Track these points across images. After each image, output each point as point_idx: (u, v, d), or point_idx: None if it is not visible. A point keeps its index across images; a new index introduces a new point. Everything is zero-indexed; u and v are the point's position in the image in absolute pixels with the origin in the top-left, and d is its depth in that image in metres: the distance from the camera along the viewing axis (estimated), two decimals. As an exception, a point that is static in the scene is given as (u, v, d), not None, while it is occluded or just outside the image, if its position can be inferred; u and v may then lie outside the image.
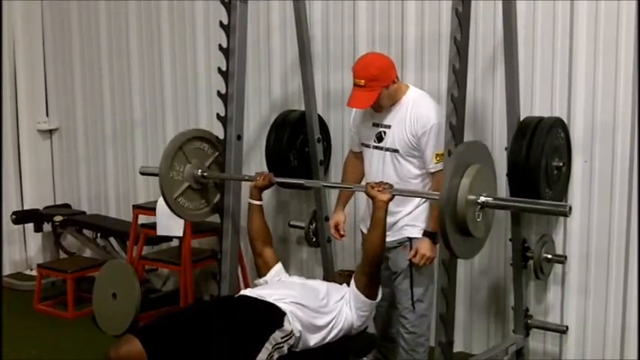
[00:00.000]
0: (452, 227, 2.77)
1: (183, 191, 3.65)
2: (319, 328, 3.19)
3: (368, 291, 3.27)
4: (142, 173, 3.91)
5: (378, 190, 3.19)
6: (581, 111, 3.77)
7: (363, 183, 3.72)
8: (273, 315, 3.09)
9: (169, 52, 5.39)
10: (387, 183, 3.24)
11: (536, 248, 3.76)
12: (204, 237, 5.02)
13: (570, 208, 2.73)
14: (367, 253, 3.27)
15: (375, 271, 3.26)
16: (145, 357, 2.87)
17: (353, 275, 3.35)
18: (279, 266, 3.53)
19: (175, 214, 3.71)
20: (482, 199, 2.81)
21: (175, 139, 3.64)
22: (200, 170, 3.67)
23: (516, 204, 2.97)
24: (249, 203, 3.57)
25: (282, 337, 3.04)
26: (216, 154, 3.75)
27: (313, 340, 3.17)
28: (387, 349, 3.86)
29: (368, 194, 3.25)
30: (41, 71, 6.20)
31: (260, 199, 3.57)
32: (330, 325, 3.22)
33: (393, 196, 3.21)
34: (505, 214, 3.93)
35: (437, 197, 2.84)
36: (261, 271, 3.53)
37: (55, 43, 6.13)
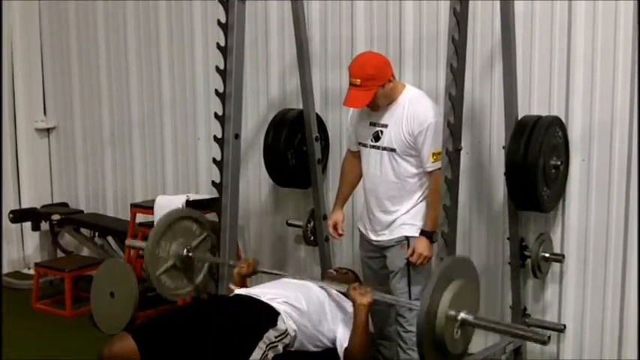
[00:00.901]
0: (429, 343, 2.66)
1: (166, 269, 3.68)
2: (314, 332, 3.20)
3: None
4: (129, 247, 3.99)
5: (359, 293, 3.16)
6: (579, 110, 3.77)
7: (362, 182, 3.74)
8: (266, 314, 3.10)
9: (167, 51, 5.38)
10: (369, 287, 3.21)
11: (534, 247, 3.76)
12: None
13: (549, 337, 2.66)
14: (354, 358, 3.17)
15: None
16: (138, 355, 2.88)
17: (346, 346, 3.24)
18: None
19: (158, 291, 3.75)
20: (462, 316, 2.71)
21: (166, 217, 3.67)
22: (185, 249, 3.69)
23: (496, 326, 2.88)
24: (229, 288, 3.54)
25: (276, 337, 3.04)
26: (204, 235, 3.77)
27: (309, 344, 3.18)
28: (385, 348, 3.86)
29: (349, 295, 3.22)
30: (39, 70, 6.19)
31: (242, 287, 3.50)
32: (327, 344, 3.25)
33: (374, 300, 3.16)
34: (503, 213, 3.94)
35: (417, 308, 2.75)
36: None
37: (53, 42, 6.13)
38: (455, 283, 2.72)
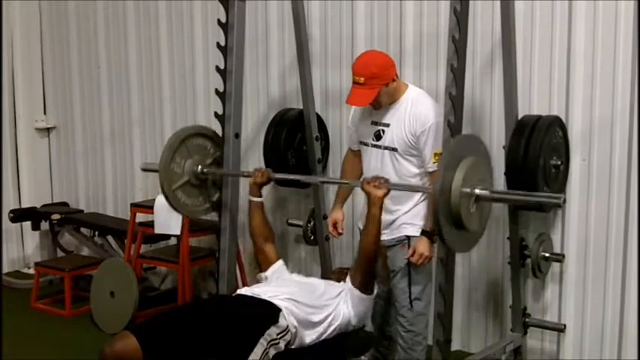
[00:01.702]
0: (446, 220, 2.75)
1: (181, 185, 3.62)
2: (315, 324, 3.19)
3: (364, 287, 3.27)
4: (144, 169, 3.92)
5: (374, 186, 3.18)
6: (579, 109, 3.78)
7: (361, 181, 3.75)
8: (268, 311, 3.10)
9: (167, 51, 5.38)
10: (382, 177, 3.22)
11: (534, 247, 3.76)
12: (202, 235, 5.02)
13: (564, 200, 2.71)
14: (363, 248, 3.26)
15: (370, 266, 3.25)
16: (141, 353, 2.87)
17: (349, 272, 3.35)
18: (279, 263, 3.53)
19: (172, 206, 3.68)
20: (476, 191, 2.80)
21: (180, 132, 3.63)
22: (200, 166, 3.65)
23: (511, 196, 2.94)
24: (250, 200, 3.57)
25: (278, 333, 3.04)
26: (218, 152, 3.73)
27: (309, 337, 3.17)
28: (385, 348, 3.86)
29: (363, 189, 3.24)
30: (39, 69, 6.19)
31: (260, 196, 3.56)
32: (327, 322, 3.22)
33: (389, 191, 3.19)
34: (503, 213, 3.94)
35: (431, 191, 2.82)
36: (262, 266, 3.53)
37: (53, 42, 6.12)
38: (466, 161, 2.77)
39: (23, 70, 6.07)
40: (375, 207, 3.19)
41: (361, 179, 3.58)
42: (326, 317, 3.22)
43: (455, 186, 2.74)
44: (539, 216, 3.89)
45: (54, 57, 6.14)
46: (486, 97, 4.05)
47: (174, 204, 3.65)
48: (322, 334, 3.21)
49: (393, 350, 3.77)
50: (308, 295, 3.23)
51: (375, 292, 3.36)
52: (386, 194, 3.19)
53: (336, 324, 3.24)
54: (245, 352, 2.96)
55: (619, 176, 3.71)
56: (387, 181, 3.21)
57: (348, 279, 3.32)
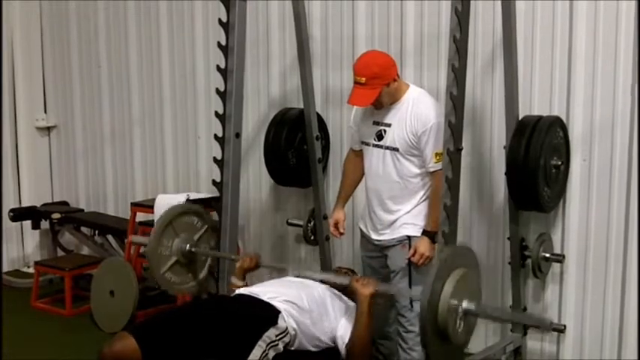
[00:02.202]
0: (432, 332, 2.68)
1: (170, 266, 3.67)
2: (319, 342, 3.20)
3: None
4: (134, 243, 3.98)
5: (362, 284, 3.18)
6: (580, 110, 3.77)
7: (364, 181, 3.74)
8: (267, 313, 3.10)
9: (168, 50, 5.38)
10: (371, 277, 3.25)
11: (535, 247, 3.76)
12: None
13: (552, 324, 2.65)
14: (356, 348, 3.18)
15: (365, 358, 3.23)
16: (139, 354, 2.87)
17: (346, 343, 3.26)
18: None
19: (162, 287, 3.76)
20: (464, 306, 2.73)
21: (165, 215, 3.66)
22: (188, 245, 3.69)
23: (499, 315, 2.86)
24: (230, 284, 3.54)
25: (277, 335, 3.04)
26: (206, 227, 3.78)
27: (308, 343, 3.18)
28: (385, 348, 3.86)
29: (350, 288, 3.23)
30: (39, 68, 6.19)
31: (244, 281, 3.52)
32: (329, 341, 3.25)
33: (376, 291, 3.18)
34: (503, 213, 3.94)
35: (419, 299, 2.75)
36: None
37: (54, 41, 6.12)
38: (456, 273, 2.72)
39: (24, 69, 6.07)
40: (362, 305, 3.17)
41: (367, 179, 3.60)
42: (330, 340, 3.25)
43: (443, 299, 2.68)
44: (540, 216, 3.89)
45: (54, 56, 6.14)
46: (487, 97, 4.04)
47: (163, 285, 3.73)
48: (321, 342, 3.23)
49: (393, 350, 3.77)
50: (315, 309, 3.22)
51: None
52: (373, 294, 3.17)
53: (333, 334, 3.26)
54: (244, 353, 2.96)
55: (619, 176, 3.71)
56: (375, 282, 3.22)
57: (348, 329, 3.25)
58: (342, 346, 3.23)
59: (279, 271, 3.63)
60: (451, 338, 2.72)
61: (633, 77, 3.62)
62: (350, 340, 3.21)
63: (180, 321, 3.09)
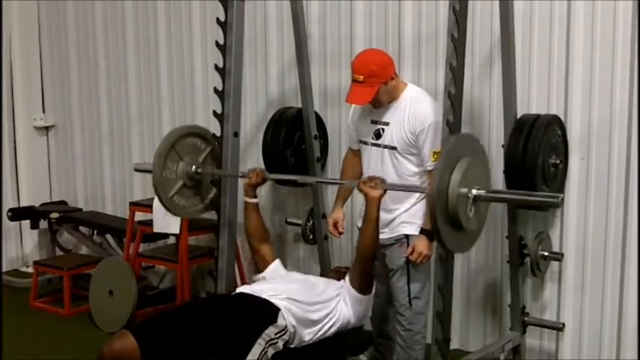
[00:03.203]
0: (443, 221, 2.74)
1: (177, 190, 3.62)
2: (314, 322, 3.19)
3: (362, 287, 3.27)
4: (137, 170, 3.91)
5: (370, 186, 3.18)
6: (578, 108, 3.78)
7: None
8: (266, 310, 3.10)
9: (166, 49, 5.38)
10: (379, 178, 3.22)
11: (533, 245, 3.77)
12: (200, 234, 5.02)
13: (562, 199, 2.71)
14: (360, 248, 3.27)
15: (368, 266, 3.26)
16: (139, 352, 2.88)
17: (348, 272, 3.35)
18: (277, 262, 3.54)
19: (171, 212, 3.69)
20: (473, 192, 2.79)
21: (167, 138, 3.60)
22: (194, 167, 3.64)
23: (508, 196, 2.93)
24: (245, 202, 3.56)
25: (276, 333, 3.04)
26: (210, 148, 3.72)
27: (308, 335, 3.17)
28: (384, 347, 3.86)
29: (359, 190, 3.24)
30: (37, 68, 6.18)
31: (255, 197, 3.57)
32: (326, 320, 3.22)
33: (385, 191, 3.19)
34: (502, 212, 3.94)
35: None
36: (259, 267, 3.54)
37: (52, 40, 6.12)
38: (463, 162, 2.76)
39: (22, 68, 6.06)
40: (372, 207, 3.19)
41: (358, 182, 3.60)
42: (325, 316, 3.22)
43: (452, 187, 2.73)
44: (538, 215, 3.89)
45: (52, 56, 6.14)
46: (485, 96, 4.05)
47: (172, 210, 3.66)
48: (322, 332, 3.21)
49: (391, 349, 3.78)
50: (307, 293, 3.24)
51: (374, 291, 3.36)
52: (382, 195, 3.18)
53: (336, 323, 3.25)
54: (243, 352, 2.96)
55: (618, 175, 3.72)
56: (383, 181, 3.21)
57: (347, 278, 3.32)
58: (348, 284, 3.29)
59: (288, 182, 3.58)
60: (463, 225, 2.77)
61: (631, 75, 3.62)
62: (359, 240, 3.27)
63: (180, 320, 3.09)
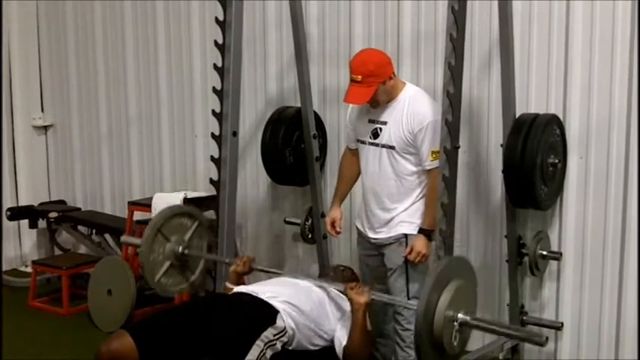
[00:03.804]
0: (426, 343, 2.67)
1: (165, 271, 3.66)
2: (317, 343, 3.21)
3: None
4: (124, 243, 3.97)
5: (356, 292, 3.17)
6: (576, 108, 3.78)
7: (360, 180, 3.74)
8: (265, 312, 3.10)
9: (165, 49, 5.37)
10: (365, 285, 3.23)
11: (532, 245, 3.77)
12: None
13: (547, 339, 2.68)
14: (351, 354, 3.20)
15: None
16: (136, 352, 2.88)
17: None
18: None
19: (158, 293, 3.74)
20: (460, 317, 2.73)
21: (153, 222, 3.63)
22: (180, 247, 3.67)
23: (494, 328, 2.88)
24: (225, 286, 3.54)
25: (275, 335, 3.04)
26: (196, 223, 3.75)
27: (308, 345, 3.19)
28: (383, 346, 3.86)
29: (346, 294, 3.22)
30: (36, 67, 6.17)
31: (237, 284, 3.50)
32: (326, 342, 3.26)
33: (372, 299, 3.17)
34: (501, 211, 3.94)
35: (414, 308, 2.75)
36: None
37: (51, 40, 6.11)
38: (452, 284, 2.72)
39: (21, 68, 6.05)
40: (358, 314, 3.16)
41: (363, 179, 3.60)
42: (327, 341, 3.26)
43: (439, 310, 2.67)
44: (537, 214, 3.89)
45: (51, 55, 6.13)
46: (484, 96, 4.05)
47: (159, 291, 3.72)
48: (320, 339, 3.23)
49: (390, 348, 3.78)
50: (314, 311, 3.23)
51: None
52: (368, 302, 3.16)
53: (332, 335, 3.27)
54: (241, 353, 2.96)
55: (616, 174, 3.72)
56: (369, 289, 3.20)
57: (345, 334, 3.27)
58: (339, 348, 3.24)
59: (274, 275, 3.61)
60: (446, 350, 2.71)
61: (630, 75, 3.62)
62: (347, 345, 3.22)
63: (178, 320, 3.09)
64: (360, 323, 3.15)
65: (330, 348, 3.27)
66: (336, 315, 3.30)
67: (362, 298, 3.14)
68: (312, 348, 3.22)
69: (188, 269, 3.76)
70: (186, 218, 3.74)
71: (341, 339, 3.23)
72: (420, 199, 3.50)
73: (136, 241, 3.69)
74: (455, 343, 2.75)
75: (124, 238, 4.10)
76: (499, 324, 3.07)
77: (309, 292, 3.32)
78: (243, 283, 3.52)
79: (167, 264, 3.66)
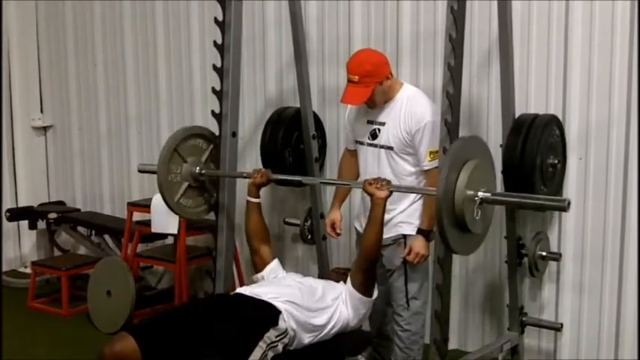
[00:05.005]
0: (449, 223, 2.74)
1: (183, 192, 3.64)
2: (316, 328, 3.18)
3: (364, 288, 3.26)
4: (141, 171, 3.90)
5: (376, 187, 3.18)
6: (576, 108, 3.78)
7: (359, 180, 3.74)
8: (267, 313, 3.09)
9: (164, 49, 5.38)
10: (384, 179, 3.22)
11: (531, 245, 3.76)
12: (199, 234, 5.01)
13: (569, 203, 2.71)
14: (363, 249, 3.25)
15: (371, 268, 3.25)
16: (139, 354, 2.87)
17: (349, 273, 3.34)
18: (275, 263, 3.53)
19: (179, 215, 3.70)
20: (480, 194, 2.78)
21: (169, 142, 3.61)
22: (197, 167, 3.65)
23: (516, 199, 2.93)
24: (247, 201, 3.56)
25: (277, 336, 3.04)
26: (211, 146, 3.72)
27: (308, 338, 3.17)
28: (382, 347, 3.86)
29: (365, 191, 3.23)
30: (36, 68, 6.18)
31: (258, 197, 3.56)
32: (327, 324, 3.21)
33: (391, 192, 3.20)
34: (500, 212, 3.94)
35: (434, 193, 2.81)
36: (258, 267, 3.53)
37: (50, 40, 6.11)
38: (470, 163, 2.76)
39: (20, 69, 6.06)
40: (377, 208, 3.18)
41: (363, 179, 3.60)
42: (327, 320, 3.22)
43: (459, 189, 2.73)
44: (537, 215, 3.89)
45: (50, 56, 6.13)
46: (483, 96, 4.05)
47: (180, 213, 3.69)
48: (322, 335, 3.21)
49: (390, 349, 3.77)
50: (308, 298, 3.22)
51: (376, 294, 3.35)
52: (388, 195, 3.18)
53: (336, 325, 3.24)
54: (244, 354, 2.95)
55: (616, 175, 3.71)
56: (389, 182, 3.21)
57: (348, 280, 3.31)
58: (350, 286, 3.27)
59: (291, 183, 3.56)
60: (469, 227, 2.77)
61: (629, 75, 3.62)
62: (363, 240, 3.25)
63: (181, 321, 3.08)
64: (378, 217, 3.17)
65: (329, 349, 3.26)
66: (335, 304, 3.30)
67: (382, 193, 3.17)
68: (308, 339, 3.18)
69: (207, 191, 3.73)
70: (202, 140, 3.71)
71: (347, 285, 3.29)
72: (419, 200, 3.50)
73: (153, 167, 3.61)
74: (478, 221, 2.81)
75: (140, 165, 3.98)
76: (519, 195, 3.09)
77: (312, 289, 3.32)
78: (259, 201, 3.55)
79: (185, 185, 3.62)
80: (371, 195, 3.20)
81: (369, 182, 3.22)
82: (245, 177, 3.64)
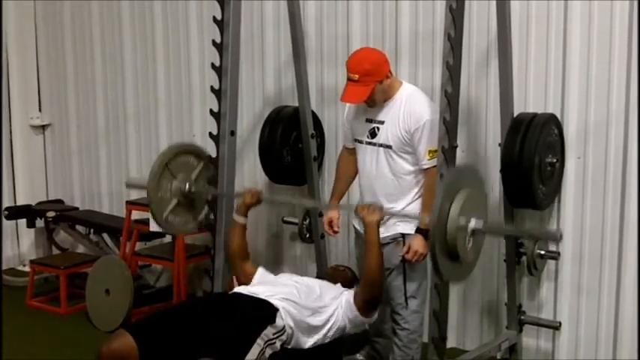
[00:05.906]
0: (441, 252, 2.73)
1: (172, 208, 3.64)
2: (313, 328, 3.19)
3: (365, 311, 3.26)
4: (129, 186, 3.91)
5: (368, 212, 3.19)
6: (574, 107, 3.78)
7: (357, 179, 3.74)
8: (265, 311, 3.09)
9: (163, 48, 5.37)
10: (376, 204, 3.24)
11: (530, 244, 3.76)
12: (197, 233, 5.00)
13: (561, 235, 2.72)
14: (366, 275, 3.24)
15: (375, 292, 3.24)
16: (137, 352, 2.87)
17: (354, 290, 3.33)
18: (261, 270, 3.53)
19: (166, 231, 3.71)
20: (472, 224, 2.78)
21: (160, 158, 3.61)
22: (187, 184, 3.66)
23: (507, 231, 2.92)
24: (234, 219, 3.55)
25: (274, 333, 3.04)
26: (202, 164, 3.73)
27: (308, 342, 3.17)
28: (381, 346, 3.86)
29: (356, 215, 3.25)
30: (34, 66, 6.17)
31: (246, 216, 3.54)
32: (324, 325, 3.22)
33: (382, 217, 3.21)
34: (499, 211, 3.94)
35: (426, 220, 2.80)
36: (244, 282, 3.52)
37: (48, 39, 6.11)
38: (462, 193, 2.76)
39: (18, 67, 6.05)
40: (370, 231, 3.19)
41: (362, 179, 3.61)
42: (325, 321, 3.22)
43: (451, 219, 2.72)
44: (535, 214, 3.89)
45: (49, 55, 6.12)
46: (482, 95, 4.05)
47: (167, 229, 3.71)
48: (320, 338, 3.21)
49: (388, 348, 3.77)
50: (306, 297, 3.23)
51: (375, 317, 3.35)
52: (380, 220, 3.19)
53: (333, 327, 3.24)
54: (241, 352, 2.95)
55: (614, 174, 3.72)
56: (381, 207, 3.23)
57: (351, 294, 3.29)
58: (350, 299, 3.26)
59: (281, 204, 3.57)
60: (461, 257, 2.76)
61: (628, 75, 3.62)
62: (365, 268, 3.24)
63: (179, 319, 3.08)
64: (374, 241, 3.18)
65: (327, 347, 3.26)
66: (327, 292, 3.31)
67: (374, 217, 3.18)
68: (310, 342, 3.19)
69: (195, 209, 3.74)
70: (192, 157, 3.71)
71: (348, 295, 3.27)
72: (417, 198, 3.50)
73: (142, 181, 3.63)
74: (469, 250, 2.80)
75: (129, 179, 3.99)
76: (511, 227, 3.10)
77: (309, 288, 3.32)
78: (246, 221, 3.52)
79: (174, 201, 3.63)
80: (362, 219, 3.22)
81: (361, 207, 3.25)
82: (236, 196, 3.64)
